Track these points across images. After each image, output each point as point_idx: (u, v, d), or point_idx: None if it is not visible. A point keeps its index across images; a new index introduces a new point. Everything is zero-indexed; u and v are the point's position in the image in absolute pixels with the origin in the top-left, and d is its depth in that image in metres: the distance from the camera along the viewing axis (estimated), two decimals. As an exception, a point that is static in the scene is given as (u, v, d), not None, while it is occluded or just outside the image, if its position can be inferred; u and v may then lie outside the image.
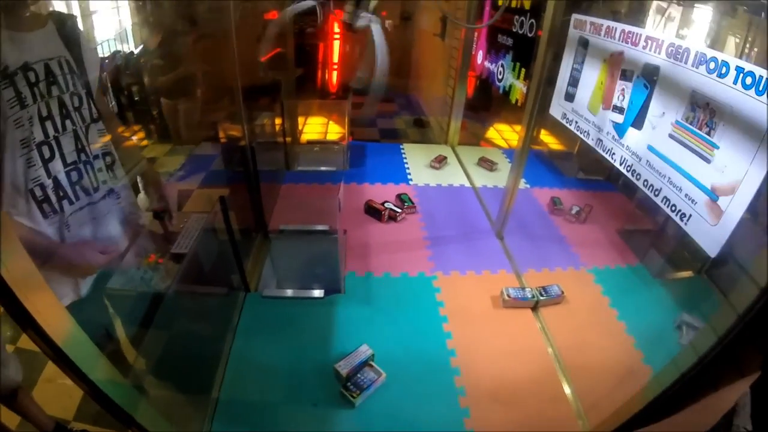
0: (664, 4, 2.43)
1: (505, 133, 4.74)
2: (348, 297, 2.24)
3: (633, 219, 3.01)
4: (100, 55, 3.00)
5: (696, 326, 2.04)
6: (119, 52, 3.14)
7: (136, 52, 3.31)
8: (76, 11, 1.82)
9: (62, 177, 1.28)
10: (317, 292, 2.24)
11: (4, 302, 0.70)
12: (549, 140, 4.19)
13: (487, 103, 4.43)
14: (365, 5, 1.24)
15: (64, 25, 1.30)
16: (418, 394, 1.76)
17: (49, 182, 1.25)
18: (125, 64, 3.13)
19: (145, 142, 3.58)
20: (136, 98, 3.35)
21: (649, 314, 2.26)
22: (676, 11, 2.37)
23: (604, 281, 2.42)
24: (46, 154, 1.23)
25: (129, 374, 1.27)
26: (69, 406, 2.15)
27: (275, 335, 2.01)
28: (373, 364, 1.84)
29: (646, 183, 1.68)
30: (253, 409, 1.69)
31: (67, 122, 1.28)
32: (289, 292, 2.27)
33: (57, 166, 1.26)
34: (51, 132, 1.23)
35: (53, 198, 1.27)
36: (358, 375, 1.78)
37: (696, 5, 2.28)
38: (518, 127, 4.41)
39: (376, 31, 1.24)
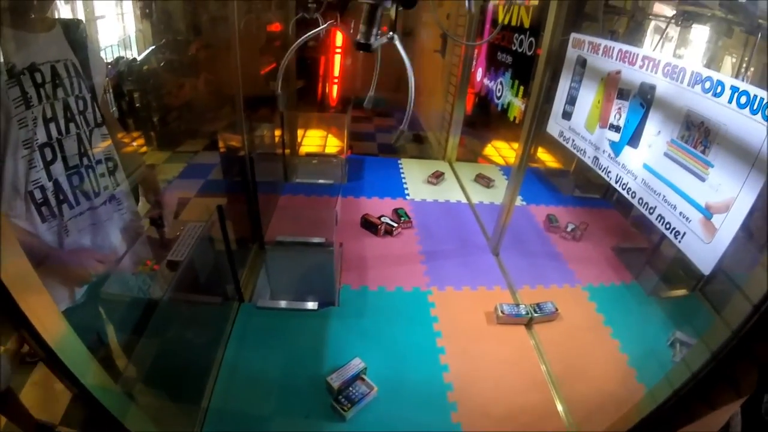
0: (662, 25, 2.48)
1: (502, 150, 4.77)
2: (342, 310, 2.23)
3: (628, 237, 3.02)
4: (106, 61, 3.02)
5: (689, 344, 2.04)
6: (122, 58, 3.16)
7: (139, 58, 3.34)
8: (81, 15, 1.84)
9: (63, 180, 1.27)
10: (311, 304, 2.23)
11: None
12: (546, 158, 4.22)
13: (486, 120, 4.46)
14: (379, 23, 1.23)
15: (71, 29, 1.31)
16: (410, 409, 1.74)
17: (49, 185, 1.24)
18: (128, 71, 3.16)
19: (144, 149, 3.59)
20: (137, 105, 3.37)
21: (642, 332, 2.25)
22: (673, 31, 2.41)
23: (599, 299, 2.42)
24: (48, 156, 1.22)
25: (120, 380, 1.25)
26: (56, 410, 2.12)
27: (268, 346, 1.99)
28: (365, 377, 1.82)
29: (641, 201, 1.69)
30: (243, 419, 1.67)
31: (71, 125, 1.28)
32: (283, 304, 2.25)
33: (58, 168, 1.26)
34: (54, 134, 1.23)
35: (53, 201, 1.26)
36: (350, 388, 1.76)
37: (694, 25, 2.32)
38: (515, 145, 4.45)
39: (400, 48, 1.22)
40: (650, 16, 2.65)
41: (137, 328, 1.68)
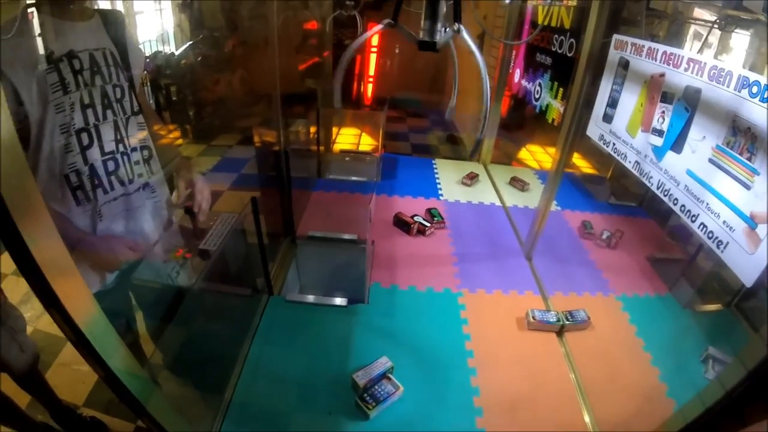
0: (703, 31, 2.39)
1: (537, 154, 4.69)
2: (371, 308, 2.23)
3: (664, 247, 2.92)
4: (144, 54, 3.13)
5: (722, 361, 1.95)
6: (160, 52, 3.27)
7: (176, 53, 3.44)
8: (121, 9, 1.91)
9: (99, 165, 1.32)
10: (341, 301, 2.24)
11: (31, 280, 0.71)
12: (581, 164, 4.12)
13: (522, 122, 4.39)
14: (443, 16, 1.14)
15: (110, 20, 1.36)
16: (434, 412, 1.72)
17: (85, 169, 1.28)
18: (166, 64, 3.26)
19: (180, 141, 3.70)
20: (173, 98, 3.48)
21: (675, 346, 2.17)
22: (713, 37, 2.31)
23: (632, 309, 2.34)
24: (85, 141, 1.27)
25: (145, 366, 1.29)
26: (80, 392, 2.20)
27: (295, 340, 2.01)
28: (391, 377, 1.82)
29: (683, 208, 1.63)
30: (265, 412, 1.69)
31: (108, 112, 1.32)
32: (313, 298, 2.27)
33: (94, 154, 1.30)
34: (92, 120, 1.27)
35: (87, 186, 1.31)
36: (375, 387, 1.76)
37: (736, 31, 2.22)
38: (552, 149, 4.36)
39: (469, 40, 1.12)
40: (691, 20, 2.55)
41: (166, 316, 1.73)
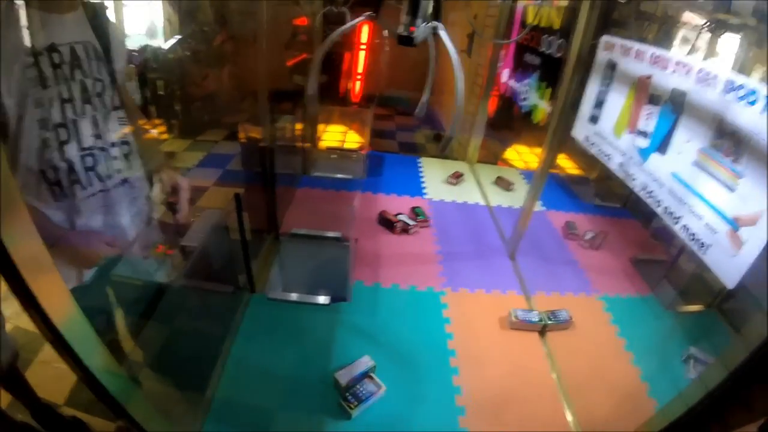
0: (692, 35, 2.41)
1: (524, 155, 4.71)
2: (354, 306, 2.21)
3: (647, 248, 2.95)
4: (130, 48, 3.06)
5: (704, 361, 1.97)
6: (148, 46, 3.20)
7: (165, 47, 3.38)
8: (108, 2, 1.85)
9: (76, 161, 1.27)
10: (323, 299, 2.22)
11: (8, 278, 0.68)
12: (566, 164, 4.14)
13: (509, 122, 4.40)
14: (423, 12, 1.14)
15: (94, 12, 1.31)
16: (417, 411, 1.71)
17: (62, 165, 1.24)
18: (153, 58, 3.20)
19: (165, 136, 3.64)
20: (160, 92, 3.41)
21: (657, 346, 2.20)
22: (701, 41, 2.33)
23: (614, 309, 2.36)
24: (63, 136, 1.23)
25: (124, 364, 1.25)
26: (61, 390, 2.14)
27: (277, 338, 1.98)
28: (373, 376, 1.80)
29: (666, 210, 1.64)
30: (247, 411, 1.66)
31: (87, 107, 1.28)
32: (295, 296, 2.24)
33: (72, 149, 1.26)
34: (70, 115, 1.23)
35: (65, 182, 1.26)
36: (358, 386, 1.74)
37: (725, 34, 2.24)
38: (538, 150, 4.39)
39: (446, 38, 1.12)
40: (681, 24, 2.57)
41: (146, 313, 1.69)
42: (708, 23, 2.30)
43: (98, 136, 1.33)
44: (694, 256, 1.52)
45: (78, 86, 1.24)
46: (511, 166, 4.43)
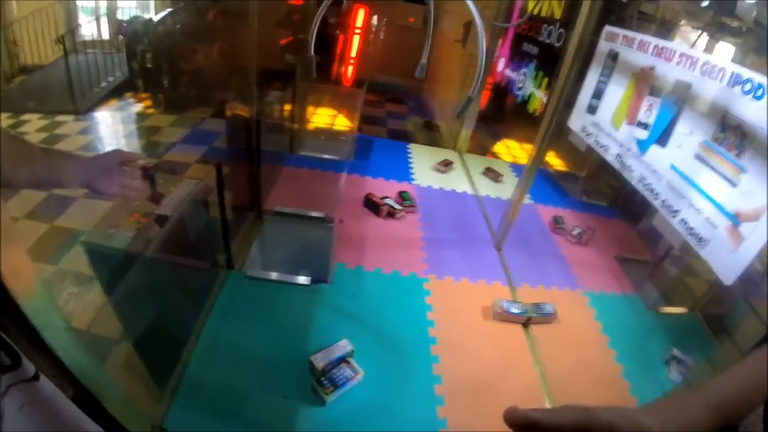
0: (692, 36, 2.37)
1: (513, 149, 4.67)
2: (335, 288, 2.14)
3: (633, 247, 2.94)
4: (119, 18, 2.93)
5: (686, 363, 1.96)
6: (139, 17, 3.06)
7: (155, 19, 3.24)
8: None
9: None
10: (303, 279, 2.14)
11: None
12: (555, 162, 4.12)
13: (501, 114, 4.36)
14: None
15: None
16: (395, 399, 1.65)
17: None
18: (143, 30, 3.06)
19: (151, 111, 3.50)
20: (148, 65, 3.27)
21: (639, 345, 2.17)
22: (701, 42, 2.30)
23: (599, 306, 2.33)
24: None
25: (85, 336, 1.16)
26: None
27: (253, 318, 1.91)
28: (351, 360, 1.73)
29: (664, 203, 1.60)
30: (218, 392, 1.58)
31: None
32: (275, 275, 2.16)
33: None
34: None
35: None
36: (334, 371, 1.67)
37: (726, 38, 2.20)
38: (528, 145, 4.36)
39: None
40: (681, 25, 2.53)
41: (113, 283, 1.59)
42: (710, 24, 2.26)
43: None
44: (678, 260, 1.49)
45: None
46: (501, 158, 4.38)
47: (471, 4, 1.06)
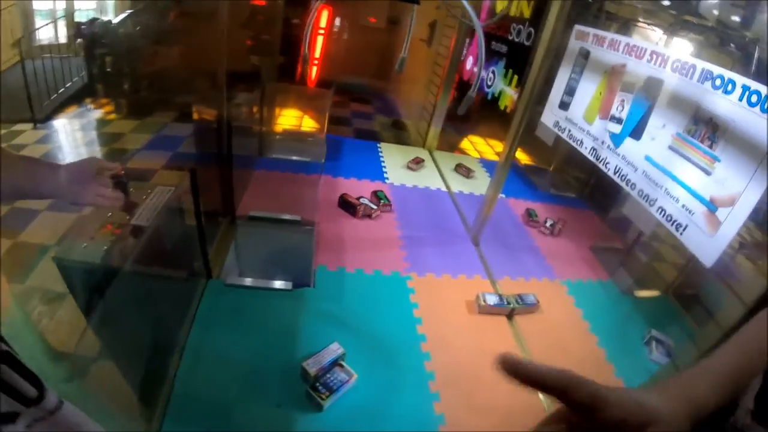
0: (654, 34, 2.47)
1: (478, 145, 4.74)
2: (318, 291, 2.12)
3: (603, 236, 3.05)
4: (77, 21, 2.79)
5: (665, 342, 2.05)
6: (97, 19, 2.92)
7: (114, 21, 3.11)
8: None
9: None
10: (285, 284, 2.11)
11: None
12: (522, 157, 4.21)
13: (470, 111, 4.41)
14: None
15: None
16: (391, 399, 1.65)
17: None
18: (102, 33, 2.93)
19: (112, 116, 3.35)
20: (108, 69, 3.13)
21: (619, 328, 2.27)
22: (660, 41, 2.39)
23: (577, 294, 2.41)
24: None
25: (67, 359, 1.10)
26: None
27: (237, 327, 1.86)
28: (343, 363, 1.72)
29: (641, 193, 1.66)
30: (210, 407, 1.53)
31: None
32: (255, 282, 2.12)
33: None
34: None
35: None
36: (328, 375, 1.65)
37: (683, 35, 2.30)
38: (494, 141, 4.44)
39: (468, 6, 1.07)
40: (643, 24, 2.63)
41: (92, 300, 1.51)
42: (673, 23, 2.35)
43: None
44: (647, 247, 1.53)
45: None
46: (471, 154, 4.45)
47: (470, 10, 1.06)
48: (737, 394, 0.51)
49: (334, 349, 1.74)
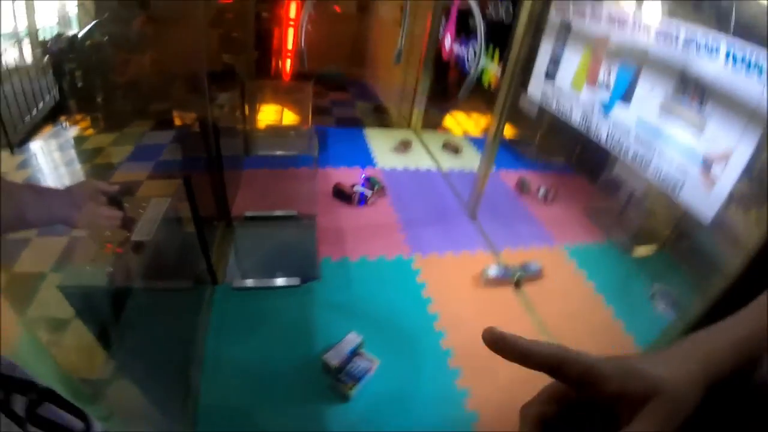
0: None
1: (462, 122, 4.75)
2: (326, 284, 2.13)
3: (594, 199, 3.09)
4: (42, 39, 2.72)
5: (670, 294, 2.10)
6: (62, 34, 2.84)
7: (80, 34, 3.03)
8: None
9: None
10: (293, 280, 2.12)
11: None
12: (506, 130, 4.21)
13: (451, 88, 4.40)
14: None
15: None
16: (414, 380, 1.69)
17: None
18: (69, 48, 2.85)
19: (90, 131, 3.28)
20: (79, 84, 3.05)
21: (623, 286, 2.33)
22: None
23: (578, 257, 2.46)
24: None
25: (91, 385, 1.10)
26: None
27: (252, 329, 1.87)
28: (363, 352, 1.75)
29: (635, 155, 1.69)
30: (238, 413, 1.54)
31: None
32: (262, 282, 2.12)
33: None
34: None
35: None
36: (350, 365, 1.67)
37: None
38: (477, 116, 4.43)
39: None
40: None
41: (106, 323, 1.51)
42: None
43: None
44: (639, 205, 1.53)
45: None
46: (456, 131, 4.46)
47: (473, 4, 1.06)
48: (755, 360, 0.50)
49: (353, 339, 1.77)
